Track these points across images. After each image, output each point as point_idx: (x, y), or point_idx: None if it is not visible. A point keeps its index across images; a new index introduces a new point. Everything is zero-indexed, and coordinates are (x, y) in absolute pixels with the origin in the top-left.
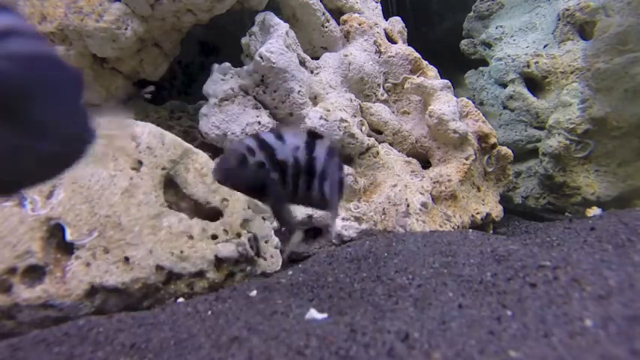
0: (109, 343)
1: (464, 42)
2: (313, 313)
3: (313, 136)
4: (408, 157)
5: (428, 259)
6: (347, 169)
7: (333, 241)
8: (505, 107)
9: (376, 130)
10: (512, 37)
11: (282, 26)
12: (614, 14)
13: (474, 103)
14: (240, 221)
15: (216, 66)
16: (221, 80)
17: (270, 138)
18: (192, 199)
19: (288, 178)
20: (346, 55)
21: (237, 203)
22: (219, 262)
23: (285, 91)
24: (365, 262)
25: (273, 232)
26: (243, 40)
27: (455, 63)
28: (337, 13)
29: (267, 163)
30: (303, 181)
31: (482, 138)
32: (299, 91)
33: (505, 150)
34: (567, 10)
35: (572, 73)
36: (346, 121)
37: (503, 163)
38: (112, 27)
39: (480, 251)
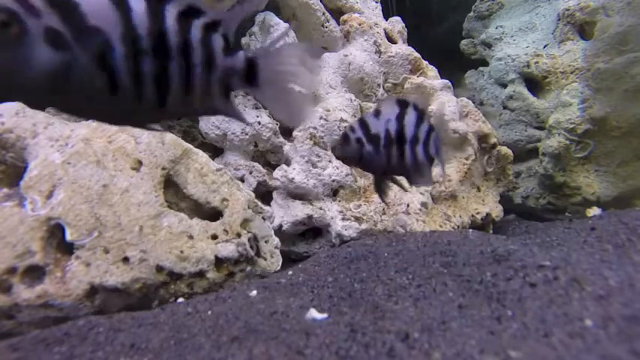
0: (109, 343)
1: (464, 42)
2: (313, 313)
3: (404, 105)
4: None
5: (428, 259)
6: (347, 169)
7: (333, 241)
8: (505, 107)
9: None
10: (512, 37)
11: (282, 26)
12: (614, 14)
13: (473, 103)
14: (240, 221)
15: None
16: None
17: (368, 115)
18: (192, 199)
19: (381, 149)
20: (346, 55)
21: (237, 203)
22: (219, 262)
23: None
24: (365, 262)
25: (273, 231)
26: (243, 40)
27: (455, 63)
28: (337, 13)
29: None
30: (395, 149)
31: (482, 138)
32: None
33: (505, 150)
34: (567, 10)
35: (572, 73)
36: (346, 121)
37: (503, 163)
38: None
39: (480, 251)
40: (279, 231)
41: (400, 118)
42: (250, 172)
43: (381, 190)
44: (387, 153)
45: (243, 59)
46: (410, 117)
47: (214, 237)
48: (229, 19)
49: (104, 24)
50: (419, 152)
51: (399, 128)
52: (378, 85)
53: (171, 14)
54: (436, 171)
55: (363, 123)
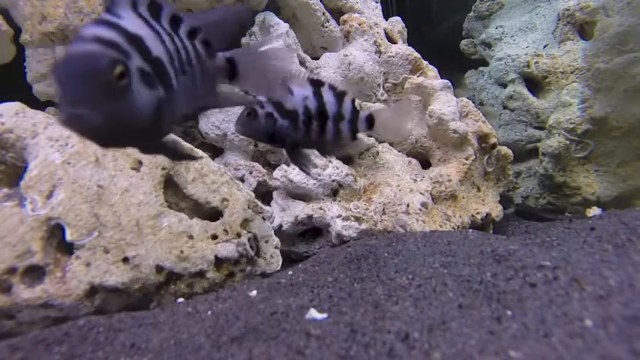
0: (109, 343)
1: (464, 42)
2: (313, 313)
3: (318, 84)
4: (408, 157)
5: (428, 259)
6: (347, 169)
7: (333, 241)
8: (505, 107)
9: None
10: (512, 37)
11: (282, 26)
12: (614, 14)
13: (473, 103)
14: (240, 221)
15: None
16: None
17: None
18: (192, 199)
19: (300, 124)
20: (346, 55)
21: (237, 203)
22: (219, 262)
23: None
24: (365, 262)
25: (273, 231)
26: (243, 40)
27: (455, 63)
28: (337, 13)
29: (276, 113)
30: (316, 125)
31: (482, 138)
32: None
33: (505, 150)
34: (567, 10)
35: (572, 73)
36: None
37: (503, 163)
38: None
39: (480, 251)
40: (279, 231)
41: (318, 95)
42: (250, 172)
43: (299, 162)
44: (306, 128)
45: (224, 59)
46: (328, 95)
47: (214, 237)
48: (208, 22)
49: (160, 53)
50: (343, 128)
51: (319, 105)
52: (378, 84)
53: (166, 26)
54: (437, 171)
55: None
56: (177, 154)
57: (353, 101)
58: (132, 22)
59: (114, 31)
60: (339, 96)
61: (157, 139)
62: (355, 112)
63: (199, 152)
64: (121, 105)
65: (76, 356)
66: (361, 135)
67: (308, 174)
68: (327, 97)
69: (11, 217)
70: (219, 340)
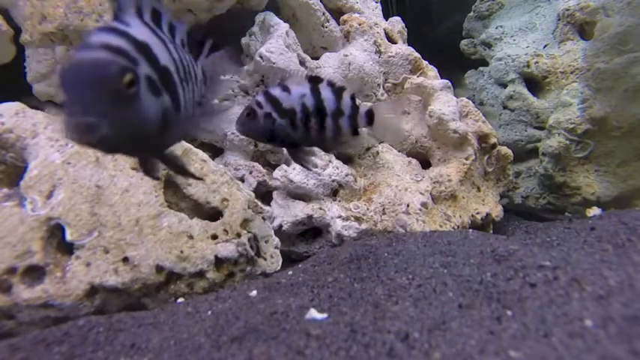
0: (109, 343)
1: (464, 42)
2: (313, 313)
3: (316, 80)
4: (408, 157)
5: (428, 259)
6: (347, 168)
7: (333, 241)
8: (505, 107)
9: None
10: (512, 37)
11: (282, 26)
12: (614, 14)
13: (473, 103)
14: (240, 221)
15: None
16: None
17: (275, 91)
18: (192, 199)
19: (298, 123)
20: (346, 55)
21: (237, 203)
22: (219, 262)
23: None
24: (365, 262)
25: (273, 231)
26: (243, 40)
27: (455, 63)
28: (337, 13)
29: (275, 113)
30: (315, 123)
31: (482, 138)
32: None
33: (505, 150)
34: (567, 10)
35: (572, 73)
36: None
37: (503, 163)
38: None
39: (480, 251)
40: (279, 231)
41: (315, 92)
42: (250, 172)
43: (300, 159)
44: (304, 126)
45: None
46: (326, 92)
47: (214, 237)
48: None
49: (167, 61)
50: (343, 125)
51: (317, 102)
52: (378, 85)
53: (167, 34)
54: (437, 171)
55: (270, 98)
56: (179, 168)
57: (352, 97)
58: (139, 30)
59: (122, 39)
60: (338, 92)
61: (162, 150)
62: (355, 107)
63: (199, 152)
64: (129, 113)
65: (76, 356)
66: (363, 130)
67: (309, 169)
68: (326, 93)
69: (11, 217)
70: (219, 340)
